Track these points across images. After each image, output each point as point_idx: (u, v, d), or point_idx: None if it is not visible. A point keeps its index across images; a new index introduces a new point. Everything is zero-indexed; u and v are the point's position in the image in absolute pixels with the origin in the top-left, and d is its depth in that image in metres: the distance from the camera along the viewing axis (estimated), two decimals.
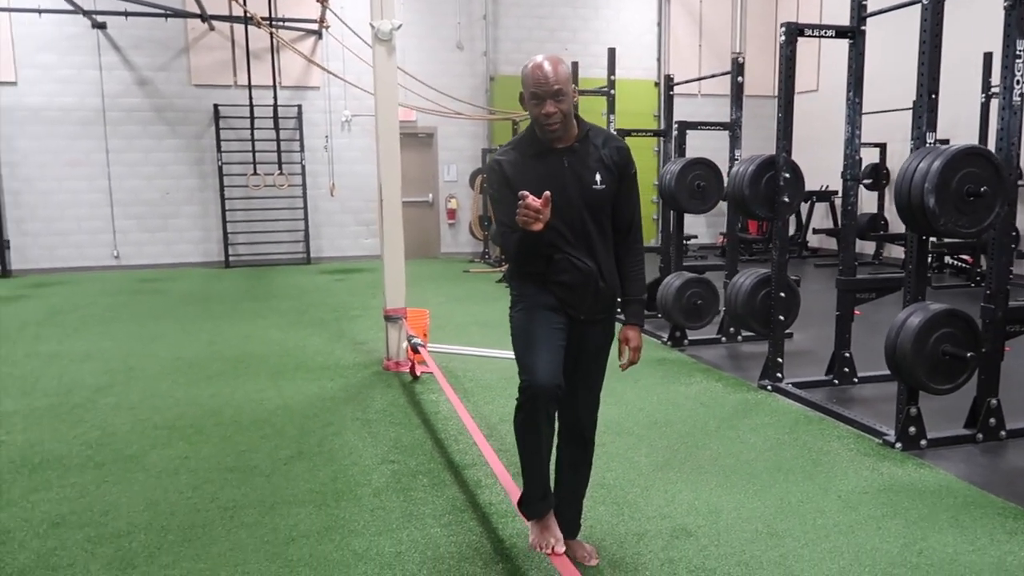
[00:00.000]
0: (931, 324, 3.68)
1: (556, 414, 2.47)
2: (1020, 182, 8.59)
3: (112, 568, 2.71)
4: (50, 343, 6.33)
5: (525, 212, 2.23)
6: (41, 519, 3.09)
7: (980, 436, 3.90)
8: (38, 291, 9.22)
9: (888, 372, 3.96)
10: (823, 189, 11.68)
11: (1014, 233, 8.44)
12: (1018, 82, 3.72)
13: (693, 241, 11.95)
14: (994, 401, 3.91)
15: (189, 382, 5.11)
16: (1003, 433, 3.92)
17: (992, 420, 3.91)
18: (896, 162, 10.33)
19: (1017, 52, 3.70)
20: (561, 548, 2.48)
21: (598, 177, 2.44)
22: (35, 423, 4.29)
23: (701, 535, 2.92)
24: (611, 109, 7.65)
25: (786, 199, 4.88)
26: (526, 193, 2.24)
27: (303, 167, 11.65)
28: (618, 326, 2.63)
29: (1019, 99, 3.74)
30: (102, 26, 10.76)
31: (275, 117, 11.02)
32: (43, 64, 10.67)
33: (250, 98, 10.83)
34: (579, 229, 2.43)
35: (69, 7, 10.21)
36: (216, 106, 11.22)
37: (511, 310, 2.55)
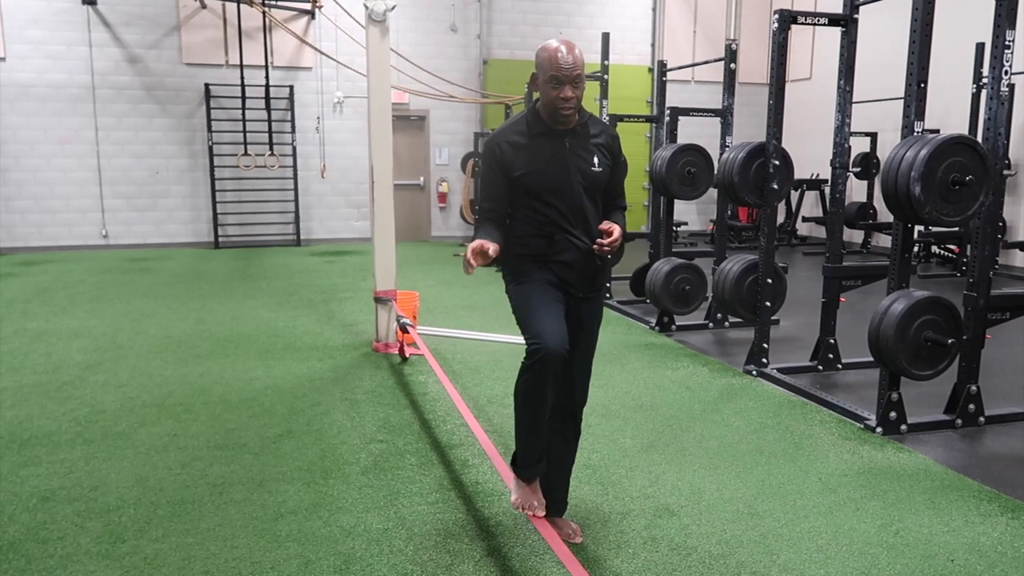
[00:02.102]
0: (914, 311, 3.73)
1: (557, 383, 2.52)
2: (1007, 172, 8.69)
3: (102, 542, 2.74)
4: (38, 321, 6.32)
5: (465, 261, 2.39)
6: (31, 494, 3.11)
7: (959, 422, 3.96)
8: (27, 269, 9.18)
9: (872, 359, 4.01)
10: (814, 177, 11.73)
11: (1001, 223, 8.58)
12: (1007, 72, 3.76)
13: (683, 228, 12.00)
14: (974, 387, 3.97)
15: (178, 361, 5.12)
16: (982, 419, 3.99)
17: (971, 406, 3.97)
18: (886, 152, 10.38)
19: (1007, 42, 3.74)
20: (542, 512, 2.56)
21: (596, 160, 2.55)
22: (24, 399, 4.30)
23: (683, 514, 2.97)
24: (604, 94, 7.65)
25: (775, 186, 4.92)
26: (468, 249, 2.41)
27: (294, 148, 11.60)
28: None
29: (1007, 89, 3.78)
30: (92, 2, 10.64)
31: (267, 97, 10.97)
32: (32, 39, 10.56)
33: (242, 78, 10.78)
34: (577, 208, 2.53)
35: None
36: (207, 85, 11.15)
37: (509, 286, 2.60)
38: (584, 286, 2.59)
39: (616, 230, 2.49)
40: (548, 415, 2.53)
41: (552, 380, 2.42)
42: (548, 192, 2.50)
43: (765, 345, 4.98)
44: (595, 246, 2.48)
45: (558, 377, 2.45)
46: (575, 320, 2.60)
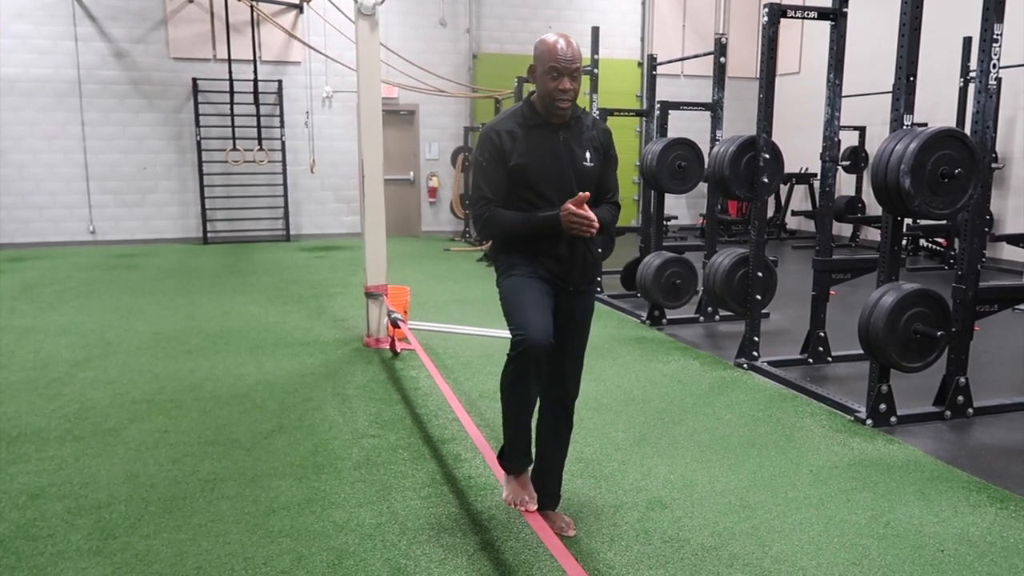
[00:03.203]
0: (903, 303, 3.76)
1: (541, 375, 2.50)
2: (994, 165, 8.74)
3: (93, 538, 2.72)
4: (26, 317, 6.26)
5: (578, 220, 2.39)
6: (20, 491, 3.09)
7: (948, 413, 4.00)
8: (13, 265, 9.11)
9: (861, 351, 4.03)
10: (803, 171, 11.77)
11: (988, 216, 8.63)
12: (994, 66, 3.78)
13: (673, 222, 12.01)
14: (962, 379, 4.00)
15: (168, 357, 5.09)
16: (970, 410, 4.02)
17: (960, 398, 4.01)
18: (875, 145, 10.43)
19: (995, 36, 3.76)
20: (534, 506, 2.55)
21: (588, 155, 2.56)
22: (12, 396, 4.26)
23: (676, 507, 2.98)
24: (594, 88, 7.64)
25: (765, 180, 4.93)
26: (570, 207, 2.39)
27: (283, 143, 11.54)
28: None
29: (995, 83, 3.80)
30: None
31: (255, 92, 10.90)
32: (17, 34, 10.45)
33: (230, 72, 10.70)
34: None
35: None
36: (195, 80, 11.07)
37: (500, 278, 2.59)
38: (575, 279, 2.59)
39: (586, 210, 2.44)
40: (534, 407, 2.52)
41: (536, 371, 2.40)
42: (542, 184, 2.50)
43: (756, 338, 5.00)
44: (567, 209, 2.41)
45: (542, 368, 2.43)
46: (566, 313, 2.60)
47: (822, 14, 4.74)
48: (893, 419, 3.89)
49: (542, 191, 2.50)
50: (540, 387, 2.50)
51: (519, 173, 2.49)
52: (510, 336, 2.41)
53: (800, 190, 12.41)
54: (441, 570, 2.53)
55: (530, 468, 2.64)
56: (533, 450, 2.66)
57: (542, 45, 2.47)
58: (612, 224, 2.67)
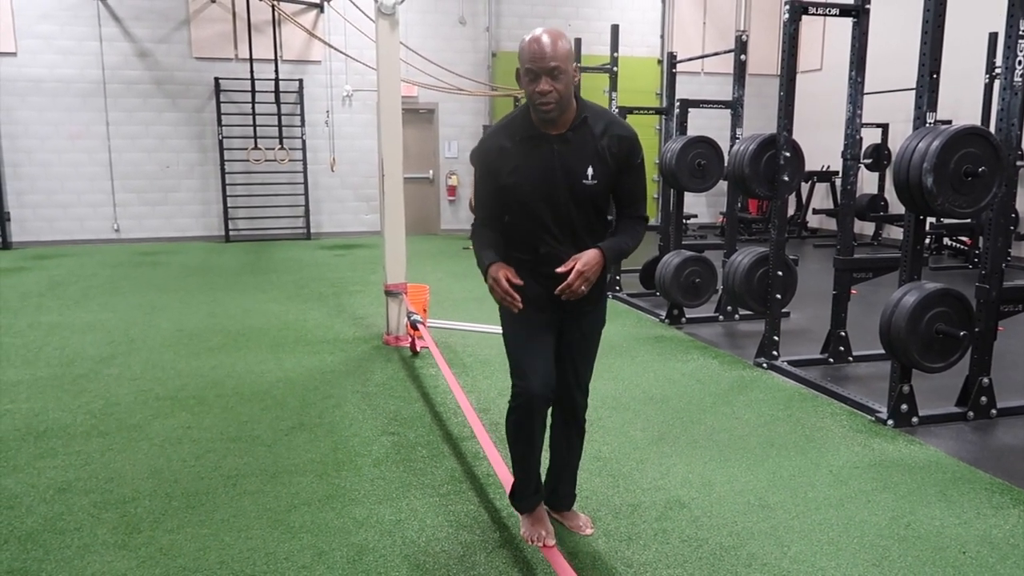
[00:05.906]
0: (926, 303, 3.72)
1: (544, 422, 2.49)
2: (1020, 163, 8.61)
3: (118, 532, 2.77)
4: (52, 314, 6.37)
5: (500, 292, 2.28)
6: (47, 485, 3.15)
7: (971, 414, 3.95)
8: (39, 263, 9.25)
9: (883, 351, 4.00)
10: (824, 169, 11.67)
11: (1013, 215, 8.51)
12: (1020, 62, 3.72)
13: (693, 220, 11.96)
14: (986, 380, 3.96)
15: (190, 354, 5.16)
16: (994, 411, 3.98)
17: (983, 398, 3.96)
18: (897, 143, 10.31)
19: (1020, 32, 3.70)
20: (552, 541, 2.53)
21: (590, 171, 2.29)
22: (39, 392, 4.34)
23: (694, 507, 2.98)
24: (613, 86, 7.63)
25: (786, 178, 4.90)
26: (503, 281, 2.28)
27: (304, 142, 11.62)
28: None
29: (1020, 80, 3.74)
30: None
31: (276, 91, 10.99)
32: (43, 34, 10.60)
33: (251, 71, 10.80)
34: (564, 222, 2.34)
35: None
36: (217, 79, 11.17)
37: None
38: (576, 301, 2.35)
39: (577, 264, 2.23)
40: (540, 451, 2.53)
41: (539, 420, 2.39)
42: (533, 204, 2.32)
43: (776, 337, 4.97)
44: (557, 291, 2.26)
45: (544, 417, 2.41)
46: (572, 328, 2.49)
47: (844, 10, 4.70)
48: (915, 420, 3.86)
49: (534, 211, 2.32)
50: (543, 430, 2.48)
51: (511, 192, 2.34)
52: (511, 382, 2.41)
53: (821, 188, 12.30)
54: (460, 567, 2.55)
55: (542, 504, 2.66)
56: (544, 465, 2.69)
57: (521, 44, 2.22)
58: (633, 247, 2.41)
